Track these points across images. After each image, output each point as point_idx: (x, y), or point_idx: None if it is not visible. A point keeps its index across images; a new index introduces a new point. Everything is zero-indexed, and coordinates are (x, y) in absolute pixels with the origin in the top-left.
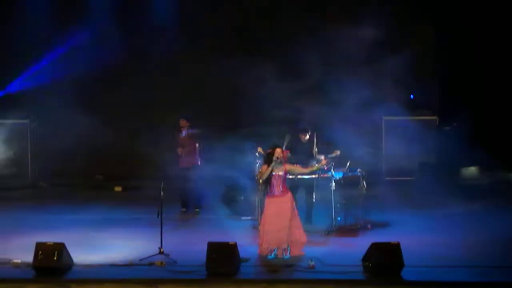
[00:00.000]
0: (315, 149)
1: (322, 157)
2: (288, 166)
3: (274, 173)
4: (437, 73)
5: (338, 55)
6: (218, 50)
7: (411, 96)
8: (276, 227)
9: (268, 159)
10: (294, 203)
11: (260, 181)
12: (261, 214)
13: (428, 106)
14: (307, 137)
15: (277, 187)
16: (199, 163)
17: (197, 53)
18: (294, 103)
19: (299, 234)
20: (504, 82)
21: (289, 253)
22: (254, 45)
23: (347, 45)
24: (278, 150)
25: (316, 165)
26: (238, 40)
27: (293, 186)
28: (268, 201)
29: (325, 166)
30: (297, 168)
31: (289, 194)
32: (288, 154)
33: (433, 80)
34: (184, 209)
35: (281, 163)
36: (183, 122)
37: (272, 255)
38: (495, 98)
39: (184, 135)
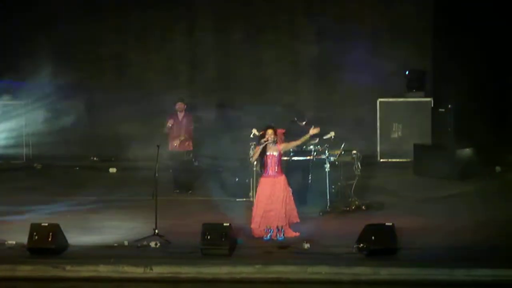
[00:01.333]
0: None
1: (317, 139)
2: (282, 145)
3: (268, 153)
4: (432, 55)
5: (333, 36)
6: (214, 28)
7: (406, 72)
8: (268, 207)
9: (260, 139)
10: (287, 185)
11: (251, 161)
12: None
13: (423, 88)
14: (304, 123)
15: (272, 168)
16: (192, 147)
17: (191, 32)
18: (289, 84)
19: (293, 216)
20: (500, 64)
21: (283, 234)
22: (250, 24)
23: (342, 26)
24: (269, 131)
25: (308, 136)
26: (234, 19)
27: (288, 168)
28: (261, 182)
29: (311, 134)
30: (290, 144)
31: (283, 176)
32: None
33: (428, 62)
34: (177, 191)
35: (274, 143)
36: (180, 105)
37: (268, 236)
38: (491, 80)
39: (180, 117)
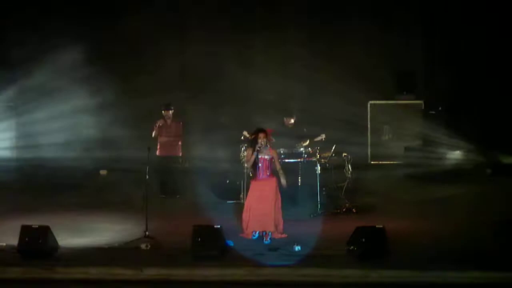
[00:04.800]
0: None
1: (308, 141)
2: (274, 152)
3: (260, 157)
4: (423, 57)
5: (323, 38)
6: (202, 30)
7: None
8: (260, 211)
9: (252, 144)
10: (278, 188)
11: (248, 165)
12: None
13: (414, 90)
14: (292, 121)
15: (263, 171)
16: (180, 151)
17: (179, 35)
18: (280, 86)
19: (279, 219)
20: (491, 65)
21: (270, 238)
22: (240, 24)
23: (333, 29)
24: (261, 135)
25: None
26: (221, 21)
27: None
28: (252, 185)
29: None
30: (277, 160)
31: (274, 179)
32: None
33: (419, 64)
34: (163, 196)
35: (266, 146)
36: (167, 112)
37: (256, 235)
38: (482, 82)
39: (169, 122)
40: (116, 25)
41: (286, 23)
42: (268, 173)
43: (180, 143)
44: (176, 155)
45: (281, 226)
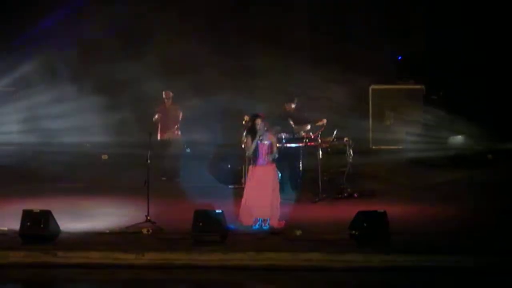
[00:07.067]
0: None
1: (309, 126)
2: (272, 138)
3: (259, 143)
4: (424, 42)
5: (326, 24)
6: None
7: (399, 58)
8: (258, 198)
9: (251, 131)
10: (276, 175)
11: (248, 154)
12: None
13: (415, 75)
14: (293, 106)
15: (261, 157)
16: (179, 134)
17: (176, 21)
18: (281, 71)
19: (277, 206)
20: (492, 51)
21: (268, 223)
22: (241, 13)
23: (335, 15)
24: (258, 121)
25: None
26: (223, 5)
27: (280, 155)
28: (251, 171)
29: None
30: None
31: (273, 166)
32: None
33: (421, 49)
34: (164, 178)
35: (265, 132)
36: (167, 94)
37: (257, 225)
38: (483, 68)
39: (167, 106)
40: (115, 11)
41: (289, 8)
42: (266, 159)
43: (177, 126)
44: (176, 138)
45: (278, 213)
